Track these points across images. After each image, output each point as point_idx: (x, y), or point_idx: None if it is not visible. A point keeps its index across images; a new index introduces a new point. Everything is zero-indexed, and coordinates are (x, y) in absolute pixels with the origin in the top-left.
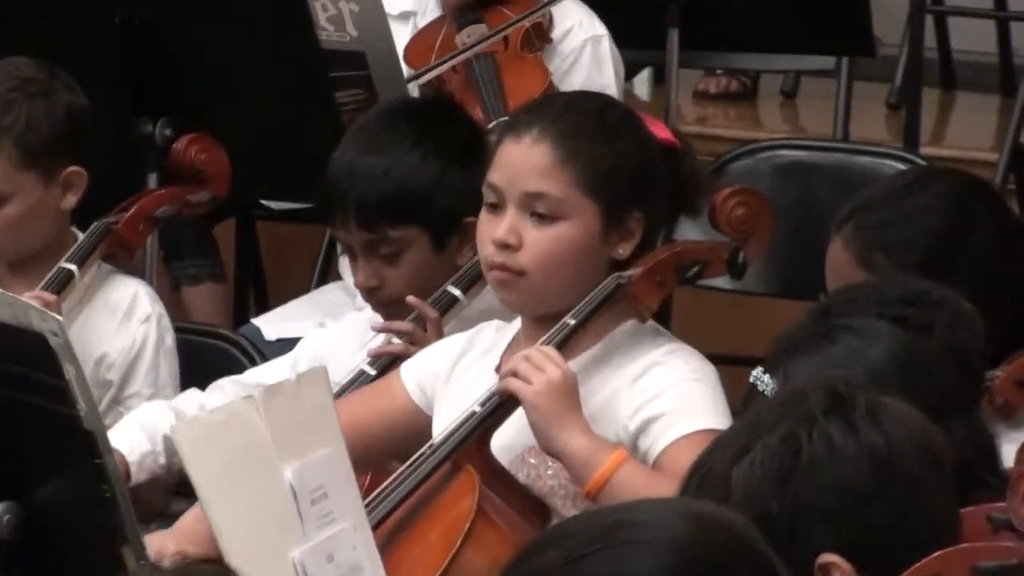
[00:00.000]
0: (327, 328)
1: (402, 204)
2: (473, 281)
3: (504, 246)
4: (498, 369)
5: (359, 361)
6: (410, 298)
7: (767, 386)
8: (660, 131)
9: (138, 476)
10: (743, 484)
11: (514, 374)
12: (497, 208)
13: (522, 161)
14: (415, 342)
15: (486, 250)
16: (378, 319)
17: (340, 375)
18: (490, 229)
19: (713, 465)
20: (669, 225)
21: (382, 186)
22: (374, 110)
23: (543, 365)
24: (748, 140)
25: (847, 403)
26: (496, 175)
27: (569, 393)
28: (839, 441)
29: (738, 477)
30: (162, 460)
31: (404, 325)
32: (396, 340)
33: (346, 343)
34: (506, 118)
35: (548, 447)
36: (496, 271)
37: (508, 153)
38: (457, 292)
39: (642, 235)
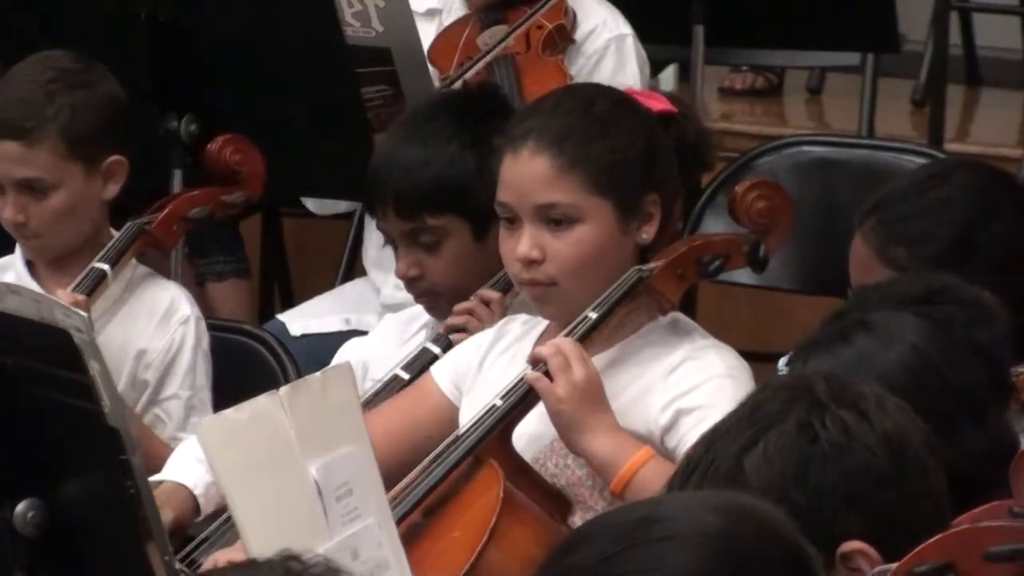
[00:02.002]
0: (368, 333)
1: (439, 194)
2: (509, 286)
3: (529, 262)
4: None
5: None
6: (479, 292)
7: None
8: (656, 102)
9: (207, 508)
10: (760, 476)
11: (544, 365)
12: (513, 223)
13: (525, 176)
14: (479, 319)
15: (513, 268)
16: (417, 318)
17: (383, 374)
18: (511, 245)
19: (716, 459)
20: (692, 190)
21: (419, 176)
22: (421, 101)
23: (570, 363)
24: (774, 136)
25: (852, 390)
26: (504, 193)
27: (593, 394)
28: (855, 426)
29: (753, 469)
30: None
31: (467, 304)
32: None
33: (387, 342)
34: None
35: (573, 449)
36: (529, 287)
37: (509, 170)
38: (495, 296)
39: (661, 213)
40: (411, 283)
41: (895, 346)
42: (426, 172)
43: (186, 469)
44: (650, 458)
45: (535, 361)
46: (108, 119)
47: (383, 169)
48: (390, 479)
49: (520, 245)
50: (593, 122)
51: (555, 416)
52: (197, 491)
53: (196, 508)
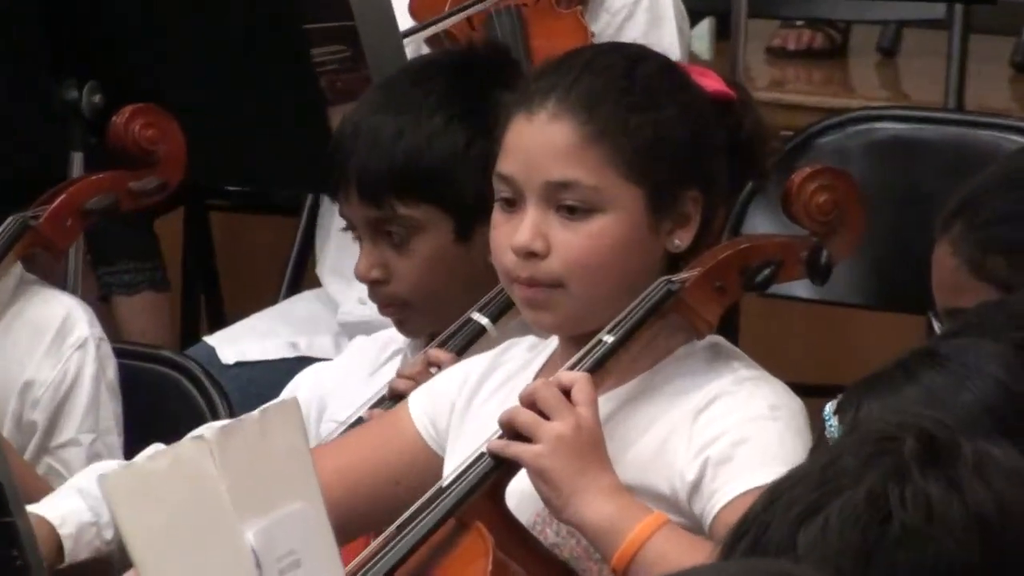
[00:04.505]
0: (320, 360)
1: (413, 176)
2: (505, 308)
3: (528, 254)
4: None
5: (363, 400)
6: (428, 352)
7: (832, 429)
8: (710, 82)
9: (76, 553)
10: (814, 554)
11: (512, 427)
12: (513, 205)
13: (539, 144)
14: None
15: (505, 260)
16: (392, 341)
17: (346, 414)
18: (507, 233)
19: (769, 525)
20: (733, 198)
21: (390, 152)
22: (411, 61)
23: (554, 410)
24: (837, 109)
25: (948, 452)
26: (509, 164)
27: (585, 446)
28: (939, 504)
29: (807, 545)
30: (108, 534)
31: (414, 368)
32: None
33: (352, 374)
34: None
35: (560, 517)
36: (522, 287)
37: (521, 135)
38: (484, 320)
39: (701, 217)
40: (373, 287)
41: (972, 383)
42: (399, 146)
43: (59, 502)
44: (663, 525)
45: (505, 424)
46: None
47: (348, 138)
48: (344, 533)
49: (519, 232)
50: (635, 88)
51: (536, 478)
52: (64, 530)
53: (59, 552)
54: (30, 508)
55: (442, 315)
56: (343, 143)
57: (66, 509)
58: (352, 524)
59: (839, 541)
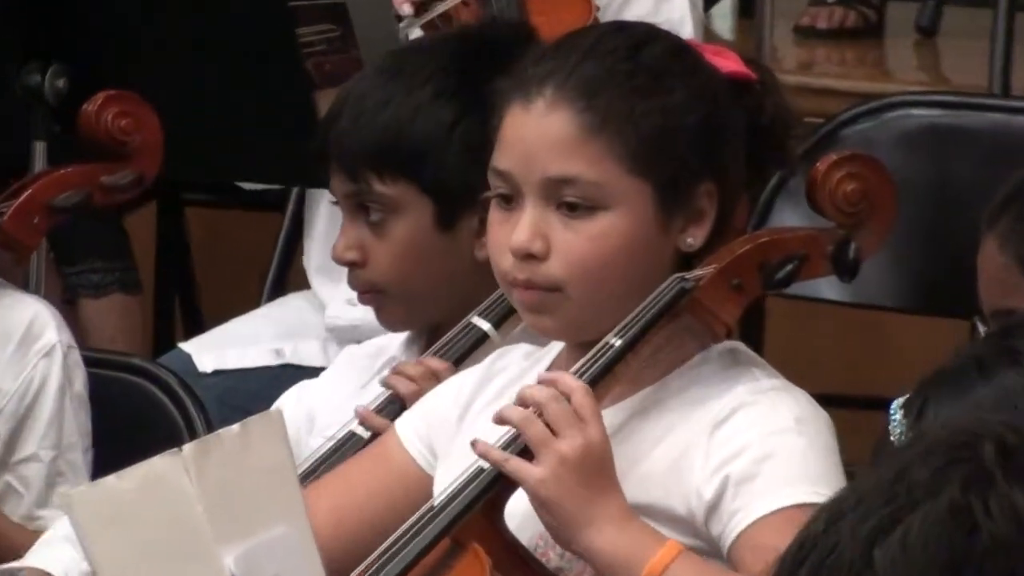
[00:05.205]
0: (307, 368)
1: (392, 150)
2: (508, 313)
3: (526, 256)
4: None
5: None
6: (425, 360)
7: (898, 428)
8: (727, 62)
9: None
10: (894, 573)
11: (513, 429)
12: (510, 202)
13: (536, 136)
14: (417, 393)
15: (502, 262)
16: (384, 350)
17: (336, 427)
18: (505, 232)
19: (836, 546)
20: (757, 190)
21: (371, 122)
22: (425, 36)
23: (560, 426)
24: (871, 94)
25: None
26: (504, 158)
27: (591, 469)
28: None
29: (886, 564)
30: None
31: (413, 370)
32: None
33: (343, 385)
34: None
35: (567, 547)
36: (520, 290)
37: (517, 126)
38: (486, 326)
39: (717, 212)
40: (351, 271)
41: None
42: (381, 118)
43: (52, 552)
44: (679, 555)
45: (500, 421)
46: None
47: (337, 106)
48: None
49: (517, 232)
50: (639, 71)
51: (540, 505)
52: None
53: None
54: (32, 562)
55: (419, 308)
56: (333, 110)
57: (66, 559)
58: (348, 569)
59: (923, 556)
